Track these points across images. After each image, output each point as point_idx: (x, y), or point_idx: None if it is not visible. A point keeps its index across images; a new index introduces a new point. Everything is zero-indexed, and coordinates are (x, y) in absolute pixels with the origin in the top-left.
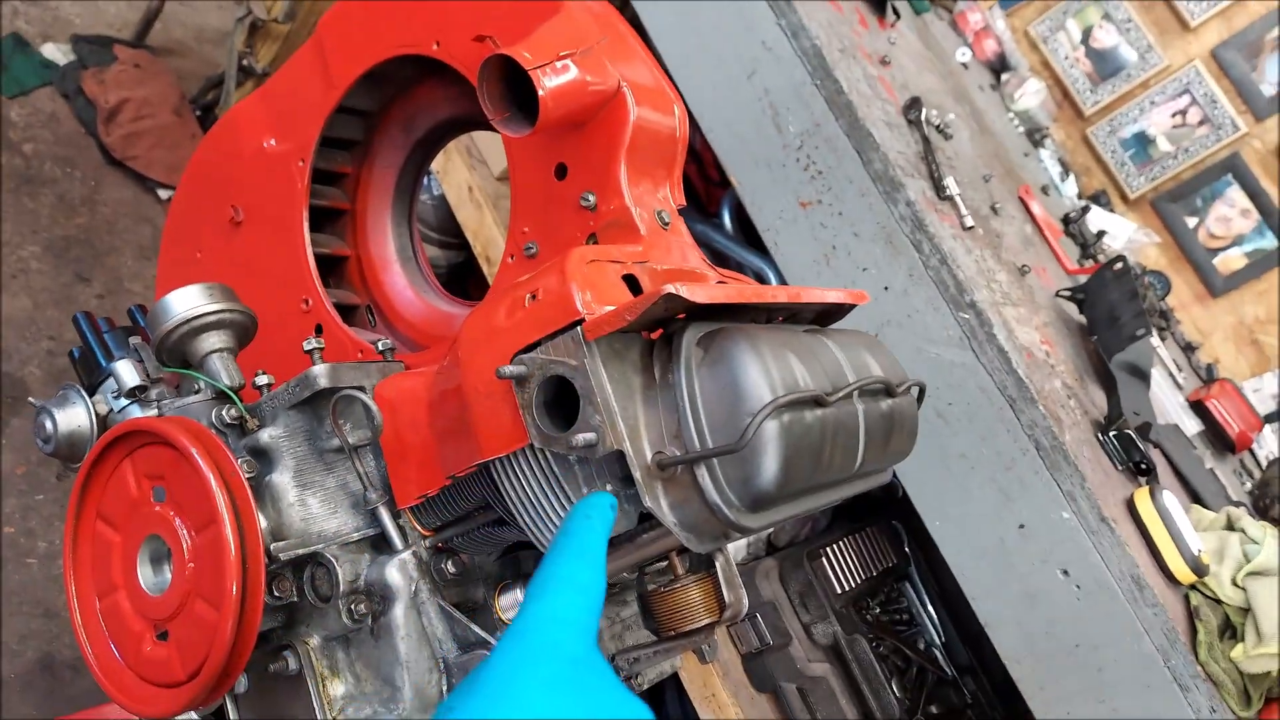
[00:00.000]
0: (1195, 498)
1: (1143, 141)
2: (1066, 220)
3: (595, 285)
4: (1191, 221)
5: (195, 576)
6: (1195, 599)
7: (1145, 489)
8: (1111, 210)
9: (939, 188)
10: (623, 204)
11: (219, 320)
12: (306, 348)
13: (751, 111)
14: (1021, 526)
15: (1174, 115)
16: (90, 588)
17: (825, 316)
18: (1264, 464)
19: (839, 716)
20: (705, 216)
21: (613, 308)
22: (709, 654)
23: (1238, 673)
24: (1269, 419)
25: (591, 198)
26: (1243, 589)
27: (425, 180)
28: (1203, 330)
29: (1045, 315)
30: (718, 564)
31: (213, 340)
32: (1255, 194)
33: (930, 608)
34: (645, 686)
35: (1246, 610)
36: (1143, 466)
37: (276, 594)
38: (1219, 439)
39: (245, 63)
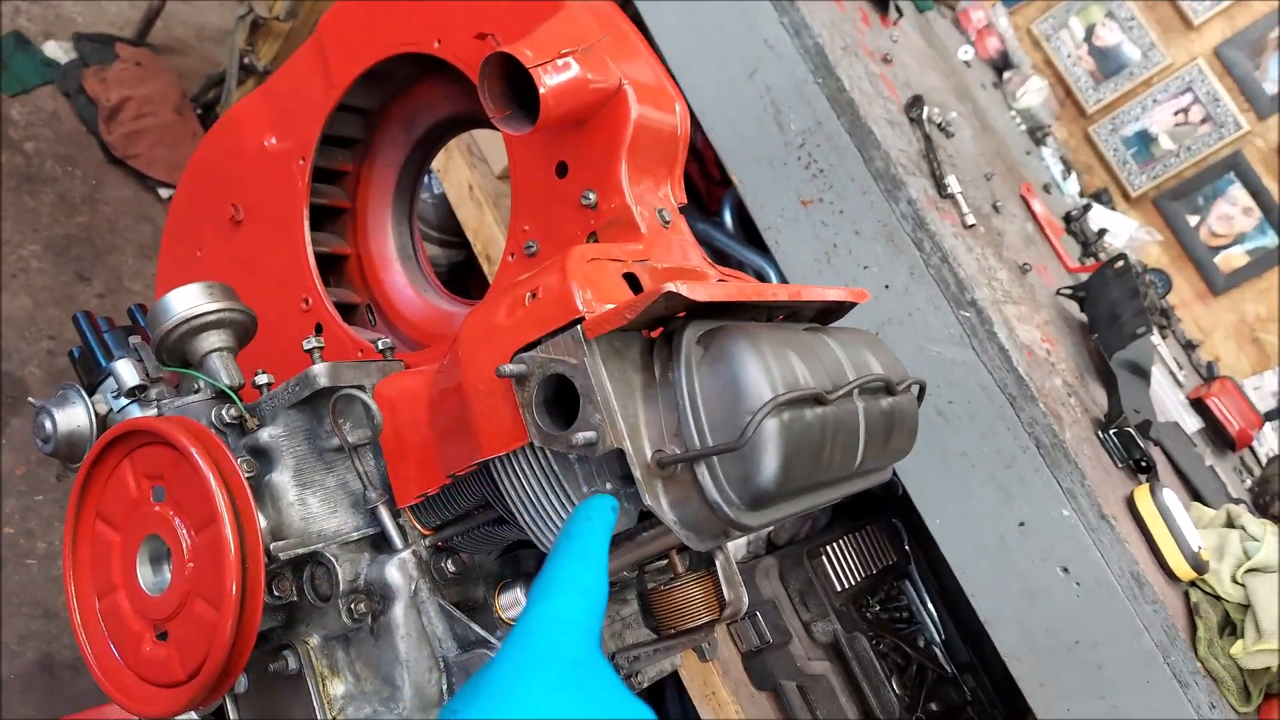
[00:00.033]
0: (1195, 495)
1: (1145, 140)
2: (1068, 218)
3: (595, 283)
4: (1193, 220)
5: (195, 576)
6: (1195, 596)
7: (1145, 486)
8: (1113, 208)
9: (940, 186)
10: (623, 202)
11: (219, 319)
12: (306, 347)
13: (753, 109)
14: (1022, 524)
15: (1176, 113)
16: (90, 588)
17: (826, 315)
18: (1264, 461)
19: (839, 714)
20: (706, 215)
21: (613, 306)
22: (709, 652)
23: (1237, 669)
24: (1269, 417)
25: (592, 196)
26: (1242, 586)
27: (426, 179)
28: (1204, 328)
29: (1046, 313)
30: (718, 562)
31: (212, 339)
32: (1257, 192)
33: (930, 605)
34: (645, 684)
35: (1246, 607)
36: (1143, 464)
37: (276, 593)
38: (1219, 437)
39: (246, 61)
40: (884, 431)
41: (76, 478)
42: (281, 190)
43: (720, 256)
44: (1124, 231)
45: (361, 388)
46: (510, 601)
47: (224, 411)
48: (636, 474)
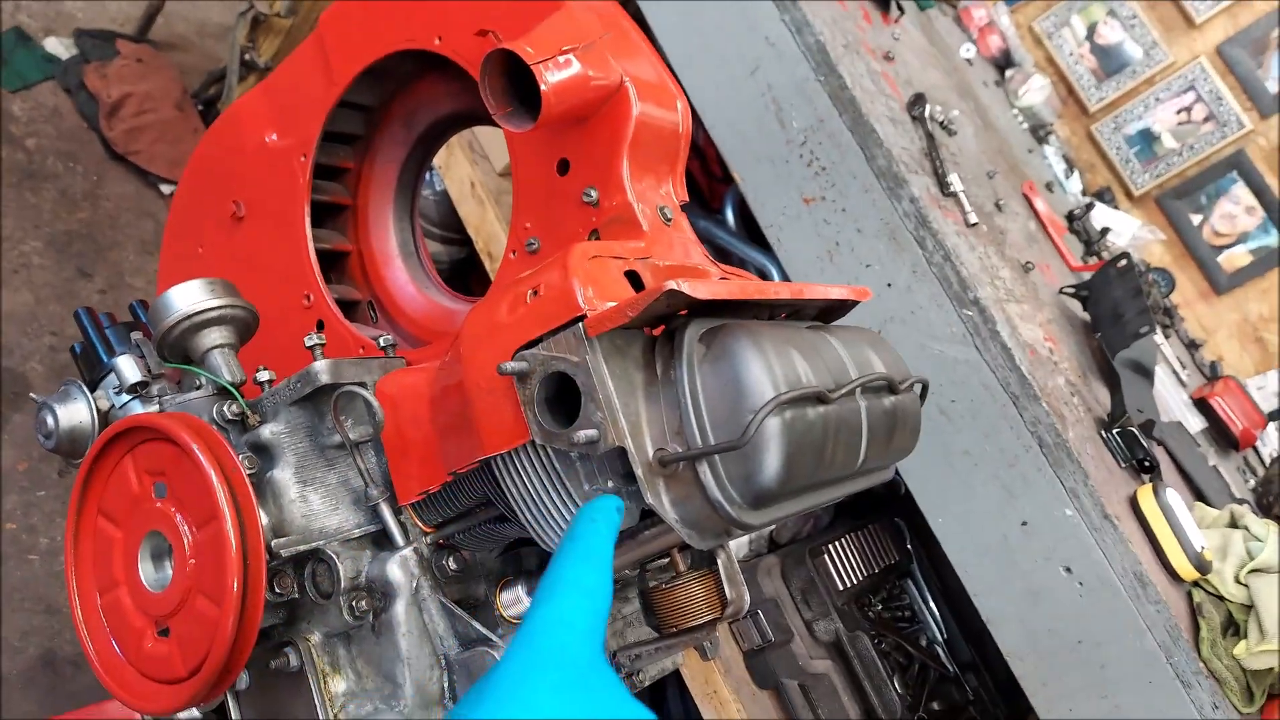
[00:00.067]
0: (1198, 495)
1: (1147, 138)
2: (1070, 217)
3: (597, 281)
4: (1196, 219)
5: (196, 573)
6: (1198, 596)
7: (1148, 486)
8: (1116, 207)
9: (943, 184)
10: (625, 200)
11: (220, 316)
12: (308, 343)
13: (754, 107)
14: (1024, 523)
15: (1179, 112)
16: (92, 584)
17: (828, 313)
18: (1267, 461)
19: (841, 713)
20: (708, 213)
21: (614, 304)
22: (710, 651)
23: (1240, 670)
24: (1272, 416)
25: (594, 193)
26: (1246, 586)
27: (427, 175)
28: (1207, 328)
29: (1049, 312)
30: (719, 561)
31: (214, 336)
32: (1260, 191)
33: (932, 604)
34: (647, 683)
35: (1249, 607)
36: (1146, 464)
37: (278, 590)
38: (1223, 436)
39: (247, 57)
40: (886, 430)
41: (78, 474)
42: (283, 187)
43: (722, 254)
44: (1127, 230)
45: (363, 385)
46: (511, 599)
47: (226, 408)
48: (638, 472)
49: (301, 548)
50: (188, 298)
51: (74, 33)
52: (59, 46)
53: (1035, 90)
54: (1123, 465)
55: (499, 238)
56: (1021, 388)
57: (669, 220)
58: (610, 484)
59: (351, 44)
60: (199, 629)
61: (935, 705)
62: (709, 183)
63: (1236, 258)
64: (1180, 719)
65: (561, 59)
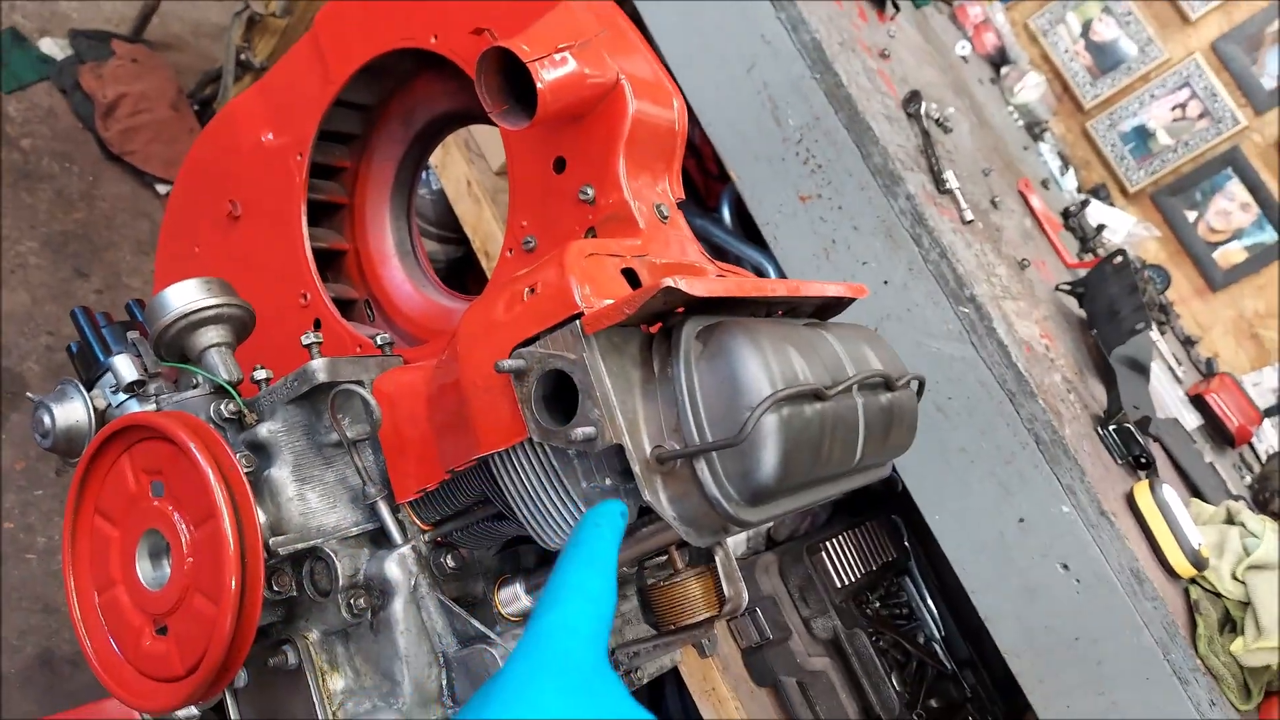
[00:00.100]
0: (1195, 492)
1: (1142, 135)
2: (1066, 214)
3: (594, 279)
4: (1191, 215)
5: (194, 571)
6: (1195, 593)
7: (1145, 483)
8: (1111, 204)
9: (939, 181)
10: (621, 197)
11: (217, 315)
12: (305, 342)
13: (751, 105)
14: (1021, 520)
15: (1174, 109)
16: (89, 583)
17: (825, 310)
18: (1264, 458)
19: (839, 711)
20: (705, 211)
21: (611, 301)
22: (708, 648)
23: (1237, 666)
24: (1269, 413)
25: (590, 191)
26: (1242, 583)
27: (424, 174)
28: (1202, 324)
29: (1045, 309)
30: (717, 558)
31: (211, 335)
32: (1255, 188)
33: (930, 602)
34: (645, 680)
35: (1246, 604)
36: (1142, 460)
37: (275, 589)
38: (1219, 433)
39: (243, 57)
40: (883, 427)
41: (75, 472)
42: (279, 186)
43: (719, 252)
44: (1122, 227)
45: (360, 383)
46: (510, 597)
47: (223, 406)
48: (636, 469)
49: (299, 546)
50: (184, 296)
51: (69, 33)
52: (54, 47)
53: (1030, 87)
54: (1119, 462)
55: (496, 236)
56: (1018, 385)
57: (665, 218)
58: (608, 481)
59: (347, 42)
60: (197, 627)
61: (933, 702)
62: (705, 181)
63: (1232, 254)
64: (1177, 716)
65: (557, 57)
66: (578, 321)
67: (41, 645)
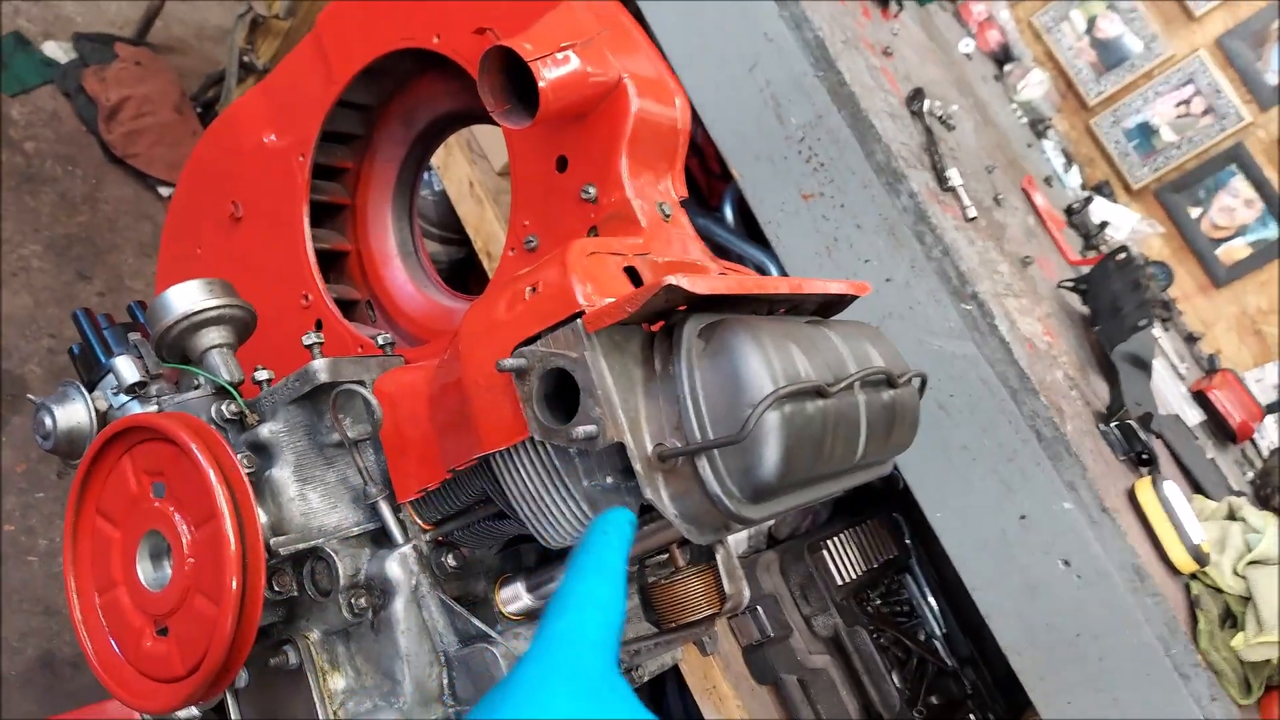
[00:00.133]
0: (1197, 488)
1: (1146, 132)
2: (1069, 211)
3: (596, 277)
4: (1195, 212)
5: (195, 572)
6: (1196, 588)
7: (1147, 479)
8: (1115, 201)
9: (942, 179)
10: (624, 196)
11: (218, 316)
12: (306, 342)
13: (753, 104)
14: (1023, 517)
15: (1178, 105)
16: (90, 584)
17: (827, 308)
18: (1265, 454)
19: (840, 708)
20: (707, 210)
21: (613, 300)
22: (709, 646)
23: (1238, 661)
24: (1270, 409)
25: (592, 190)
26: (1244, 578)
27: (426, 175)
28: (1205, 321)
29: (1048, 306)
30: (718, 556)
31: (212, 336)
32: (1259, 184)
33: (931, 599)
34: (646, 679)
35: (1247, 599)
36: (1144, 457)
37: (276, 589)
38: (1221, 429)
39: (246, 59)
40: (885, 425)
41: (76, 474)
42: (281, 187)
43: (721, 251)
44: (1125, 224)
45: (361, 383)
46: (511, 595)
47: (224, 407)
48: (637, 467)
49: (300, 546)
50: (186, 298)
51: (72, 36)
52: (58, 50)
53: (1034, 85)
54: (1121, 458)
55: (497, 237)
56: (1020, 382)
57: (668, 216)
58: (609, 480)
59: (350, 43)
60: (198, 628)
61: (934, 700)
62: (708, 180)
63: (1235, 251)
64: (1178, 711)
65: (560, 56)
66: (579, 320)
67: (43, 647)
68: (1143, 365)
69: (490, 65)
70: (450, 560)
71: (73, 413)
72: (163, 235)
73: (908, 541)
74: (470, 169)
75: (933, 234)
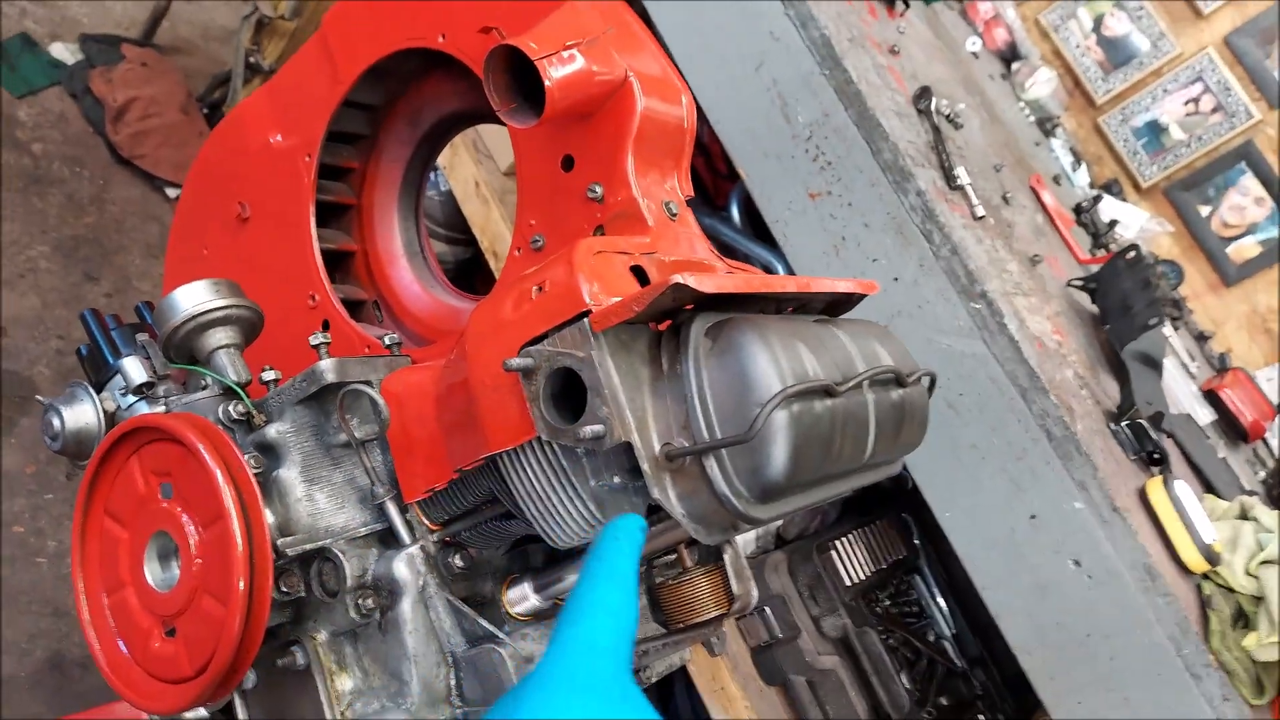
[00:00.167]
0: (1208, 487)
1: (1155, 130)
2: (1078, 209)
3: (602, 276)
4: (1204, 210)
5: (203, 572)
6: (1208, 588)
7: (1158, 479)
8: (1124, 199)
9: (949, 177)
10: (630, 195)
11: (225, 316)
12: (313, 342)
13: (760, 102)
14: (1033, 517)
15: (1186, 103)
16: (98, 584)
17: (835, 307)
18: (1277, 453)
19: (848, 709)
20: (713, 210)
21: (620, 299)
22: (717, 647)
23: (1250, 662)
24: None
25: (599, 189)
26: (1256, 578)
27: (432, 175)
28: (1216, 319)
29: (1057, 305)
30: (726, 556)
31: (219, 336)
32: (1269, 182)
33: (940, 599)
34: (654, 679)
35: (1259, 599)
36: (1155, 456)
37: (284, 589)
38: (1232, 428)
39: (252, 60)
40: (894, 424)
41: (84, 475)
42: (287, 187)
43: (727, 251)
44: (1135, 222)
45: (368, 383)
46: (518, 596)
47: (231, 408)
48: (644, 467)
49: (308, 546)
50: (193, 298)
51: (79, 38)
52: (64, 52)
53: (1042, 83)
54: (1132, 458)
55: (504, 237)
56: (1029, 380)
57: (674, 215)
58: (616, 479)
59: (355, 43)
60: (205, 628)
61: (943, 700)
62: (714, 180)
63: (1245, 249)
64: (1190, 712)
65: (565, 54)
66: (586, 319)
67: (51, 648)
68: (1153, 364)
69: (496, 64)
70: (457, 561)
71: (81, 414)
72: (170, 236)
73: (916, 542)
74: (476, 169)
75: (941, 232)
